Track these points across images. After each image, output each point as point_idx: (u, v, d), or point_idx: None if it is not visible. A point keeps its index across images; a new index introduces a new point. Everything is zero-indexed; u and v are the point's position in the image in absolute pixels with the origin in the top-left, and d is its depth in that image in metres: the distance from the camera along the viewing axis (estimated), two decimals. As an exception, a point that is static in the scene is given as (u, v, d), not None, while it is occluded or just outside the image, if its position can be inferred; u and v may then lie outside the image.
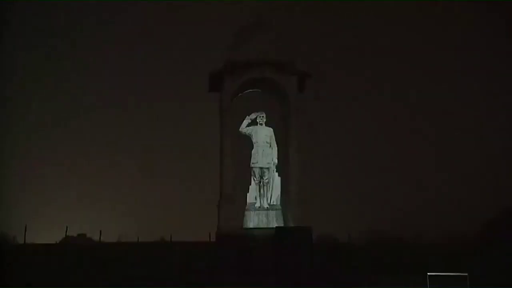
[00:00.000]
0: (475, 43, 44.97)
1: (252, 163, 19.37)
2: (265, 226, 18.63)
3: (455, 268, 16.67)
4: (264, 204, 19.09)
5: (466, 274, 16.35)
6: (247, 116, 19.67)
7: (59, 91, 48.00)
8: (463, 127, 44.52)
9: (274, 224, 18.56)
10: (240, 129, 19.61)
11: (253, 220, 18.85)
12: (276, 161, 19.51)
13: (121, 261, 20.05)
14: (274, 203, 19.26)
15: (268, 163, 19.36)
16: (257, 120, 19.71)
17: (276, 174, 19.51)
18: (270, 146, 19.54)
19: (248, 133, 19.55)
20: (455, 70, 45.11)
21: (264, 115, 19.74)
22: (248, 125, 19.66)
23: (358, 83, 46.87)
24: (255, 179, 19.32)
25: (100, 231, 26.41)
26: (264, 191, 19.24)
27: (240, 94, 20.12)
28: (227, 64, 19.31)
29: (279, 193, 19.34)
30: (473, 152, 42.55)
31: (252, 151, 19.44)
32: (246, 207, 19.12)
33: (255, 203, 19.19)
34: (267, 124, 19.78)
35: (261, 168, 19.30)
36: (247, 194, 19.39)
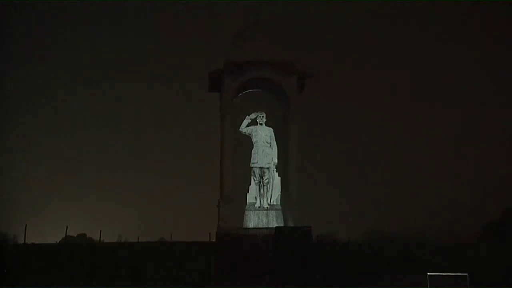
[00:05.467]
0: (476, 40, 44.97)
1: (252, 163, 19.35)
2: (265, 226, 18.61)
3: (455, 268, 16.66)
4: (264, 204, 19.07)
5: (466, 274, 16.34)
6: (247, 116, 19.64)
7: (60, 91, 48.04)
8: (463, 128, 44.55)
9: (274, 224, 18.55)
10: (240, 129, 19.59)
11: (253, 220, 18.83)
12: (276, 161, 19.50)
13: (121, 261, 20.04)
14: (274, 203, 19.24)
15: (268, 163, 19.34)
16: (257, 120, 19.68)
17: (276, 174, 19.49)
18: (270, 146, 19.52)
19: (248, 133, 19.53)
20: (455, 70, 45.14)
21: (264, 115, 19.72)
22: (248, 125, 19.63)
23: (358, 83, 46.88)
24: (255, 179, 19.31)
25: (100, 231, 26.43)
26: (264, 191, 19.22)
27: (240, 94, 20.10)
28: (227, 64, 19.30)
29: (279, 193, 19.32)
30: (473, 153, 42.56)
31: (252, 151, 19.42)
32: (246, 207, 19.10)
33: (255, 203, 19.17)
34: (267, 124, 19.75)
35: (261, 168, 19.28)
36: (247, 194, 19.37)
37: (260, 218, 18.87)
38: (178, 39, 49.18)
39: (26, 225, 22.50)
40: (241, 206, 19.16)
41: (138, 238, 25.25)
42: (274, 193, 19.33)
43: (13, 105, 42.39)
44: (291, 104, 19.46)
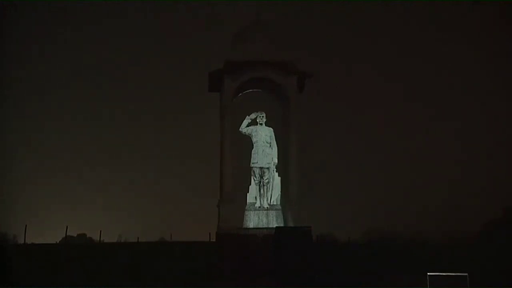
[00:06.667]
0: (477, 40, 44.98)
1: (252, 163, 19.36)
2: (265, 226, 18.62)
3: (455, 268, 16.67)
4: (264, 204, 19.08)
5: (466, 274, 16.35)
6: (247, 116, 19.65)
7: (60, 91, 48.01)
8: (463, 127, 44.55)
9: (274, 224, 18.56)
10: (240, 129, 19.59)
11: (253, 220, 18.84)
12: (276, 161, 19.50)
13: (121, 261, 20.05)
14: (274, 203, 19.25)
15: (268, 163, 19.34)
16: (257, 120, 19.68)
17: (276, 174, 19.50)
18: (270, 146, 19.53)
19: (248, 133, 19.53)
20: (455, 69, 45.15)
21: (264, 115, 19.72)
22: (248, 125, 19.63)
23: (358, 83, 46.88)
24: (255, 179, 19.31)
25: (100, 231, 26.45)
26: (264, 191, 19.23)
27: (240, 94, 20.11)
28: (227, 64, 19.30)
29: (279, 193, 19.33)
30: (473, 152, 42.56)
31: (252, 151, 19.42)
32: (246, 207, 19.11)
33: (255, 203, 19.18)
34: (267, 124, 19.76)
35: (261, 168, 19.28)
36: (247, 194, 19.38)
37: (260, 218, 18.88)
38: (178, 39, 49.14)
39: (26, 225, 22.50)
40: (241, 206, 19.16)
41: (138, 238, 25.27)
42: (274, 193, 19.34)
43: (13, 105, 42.38)
44: (291, 104, 19.46)
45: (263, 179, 19.23)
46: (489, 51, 43.98)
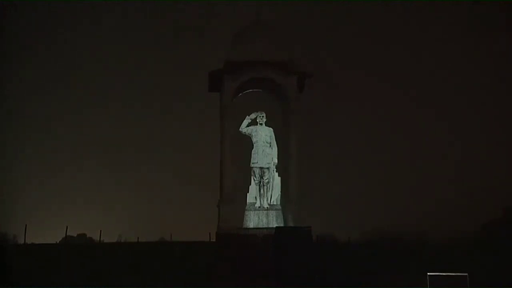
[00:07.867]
0: (477, 41, 44.97)
1: (252, 163, 19.35)
2: (265, 226, 18.61)
3: (455, 268, 16.66)
4: (264, 204, 19.08)
5: (466, 274, 16.34)
6: (247, 116, 19.64)
7: (59, 91, 48.03)
8: (463, 127, 44.57)
9: (274, 224, 18.55)
10: (240, 129, 19.58)
11: (253, 220, 18.83)
12: (276, 161, 19.49)
13: (121, 261, 20.06)
14: (274, 203, 19.24)
15: (268, 163, 19.33)
16: (257, 120, 19.67)
17: (276, 174, 19.50)
18: (270, 146, 19.52)
19: (248, 133, 19.53)
20: (456, 69, 45.16)
21: (264, 115, 19.71)
22: (248, 125, 19.62)
23: (358, 83, 46.89)
24: (255, 179, 19.31)
25: (100, 231, 26.52)
26: (264, 191, 19.22)
27: (240, 94, 20.11)
28: (227, 64, 19.29)
29: (279, 193, 19.33)
30: (473, 152, 42.57)
31: (252, 151, 19.41)
32: (246, 207, 19.10)
33: (255, 203, 19.17)
34: (267, 124, 19.75)
35: (261, 168, 19.28)
36: (247, 194, 19.37)
37: (260, 218, 18.87)
38: (178, 39, 49.13)
39: (26, 225, 22.54)
40: (241, 206, 19.16)
41: (138, 238, 25.32)
42: (274, 193, 19.34)
43: (13, 105, 42.38)
44: (291, 104, 19.45)
45: (263, 179, 19.23)
46: (489, 51, 43.97)
